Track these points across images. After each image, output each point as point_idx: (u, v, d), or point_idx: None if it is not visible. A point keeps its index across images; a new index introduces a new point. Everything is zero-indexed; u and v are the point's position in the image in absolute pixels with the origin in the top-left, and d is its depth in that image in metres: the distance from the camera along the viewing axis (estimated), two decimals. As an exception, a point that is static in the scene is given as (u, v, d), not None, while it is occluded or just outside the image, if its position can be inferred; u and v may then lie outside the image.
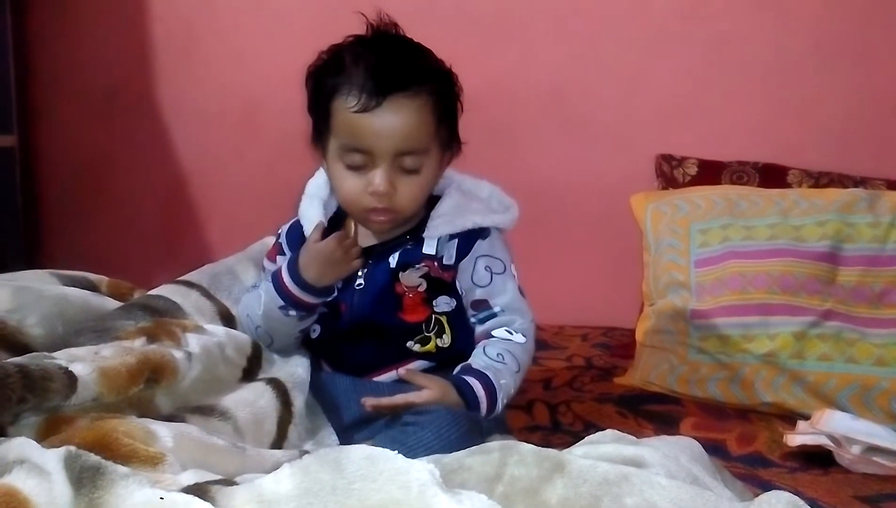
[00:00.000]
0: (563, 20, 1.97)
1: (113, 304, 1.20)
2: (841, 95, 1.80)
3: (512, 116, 2.02)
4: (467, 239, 1.12)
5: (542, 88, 2.00)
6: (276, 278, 1.11)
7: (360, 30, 1.11)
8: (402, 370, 1.09)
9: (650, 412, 1.35)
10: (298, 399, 1.06)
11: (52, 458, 0.63)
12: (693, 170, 1.81)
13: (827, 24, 1.81)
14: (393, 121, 1.03)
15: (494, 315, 1.12)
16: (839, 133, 1.80)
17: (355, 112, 1.02)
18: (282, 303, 1.11)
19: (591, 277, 1.99)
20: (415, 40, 1.11)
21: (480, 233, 1.13)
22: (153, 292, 1.17)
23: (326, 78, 1.07)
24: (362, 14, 1.08)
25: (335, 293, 1.13)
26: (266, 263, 1.23)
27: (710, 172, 1.78)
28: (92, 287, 1.28)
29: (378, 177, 1.04)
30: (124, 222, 2.40)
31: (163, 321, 1.05)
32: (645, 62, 1.93)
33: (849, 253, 1.42)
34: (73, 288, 1.21)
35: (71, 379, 0.80)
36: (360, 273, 1.12)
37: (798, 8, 1.83)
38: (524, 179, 1.95)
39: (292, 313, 1.11)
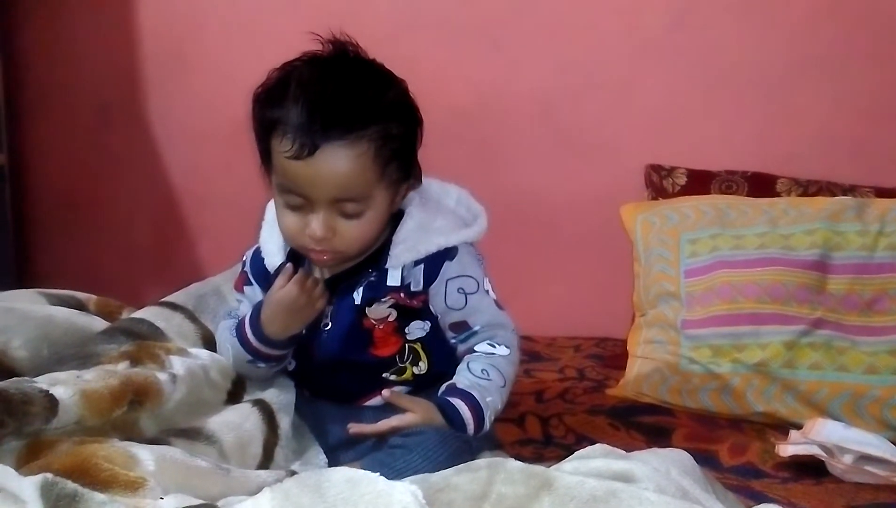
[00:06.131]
0: (551, 33, 1.97)
1: (100, 323, 1.19)
2: (828, 103, 1.81)
3: (500, 129, 2.02)
4: (433, 262, 1.06)
5: (530, 100, 1.99)
6: (241, 334, 1.08)
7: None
8: (385, 392, 1.06)
9: (642, 424, 1.34)
10: (284, 421, 1.04)
11: (28, 486, 0.62)
12: (682, 180, 1.81)
13: (813, 34, 1.81)
14: (328, 171, 0.96)
15: (475, 334, 1.09)
16: (827, 141, 1.81)
17: (288, 158, 0.96)
18: (250, 358, 1.08)
19: (582, 288, 1.99)
20: (376, 64, 1.03)
21: (447, 254, 1.07)
22: (136, 315, 1.16)
23: (266, 109, 1.00)
24: (316, 35, 1.01)
25: (301, 339, 1.09)
26: (235, 293, 1.19)
27: (700, 182, 1.78)
28: (80, 306, 1.28)
29: (315, 222, 0.99)
30: (115, 238, 2.39)
31: (146, 343, 1.04)
32: (633, 73, 1.93)
33: (838, 261, 1.42)
34: (59, 308, 1.20)
35: (51, 402, 0.79)
36: (326, 312, 1.08)
37: (784, 18, 1.83)
38: (514, 191, 1.96)
39: (261, 364, 1.10)
